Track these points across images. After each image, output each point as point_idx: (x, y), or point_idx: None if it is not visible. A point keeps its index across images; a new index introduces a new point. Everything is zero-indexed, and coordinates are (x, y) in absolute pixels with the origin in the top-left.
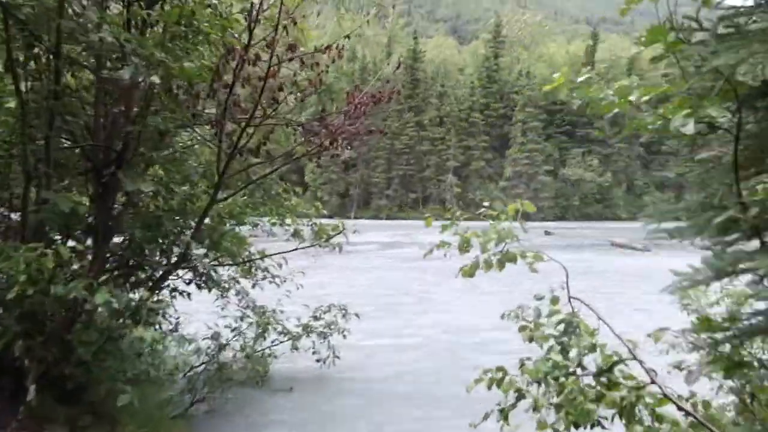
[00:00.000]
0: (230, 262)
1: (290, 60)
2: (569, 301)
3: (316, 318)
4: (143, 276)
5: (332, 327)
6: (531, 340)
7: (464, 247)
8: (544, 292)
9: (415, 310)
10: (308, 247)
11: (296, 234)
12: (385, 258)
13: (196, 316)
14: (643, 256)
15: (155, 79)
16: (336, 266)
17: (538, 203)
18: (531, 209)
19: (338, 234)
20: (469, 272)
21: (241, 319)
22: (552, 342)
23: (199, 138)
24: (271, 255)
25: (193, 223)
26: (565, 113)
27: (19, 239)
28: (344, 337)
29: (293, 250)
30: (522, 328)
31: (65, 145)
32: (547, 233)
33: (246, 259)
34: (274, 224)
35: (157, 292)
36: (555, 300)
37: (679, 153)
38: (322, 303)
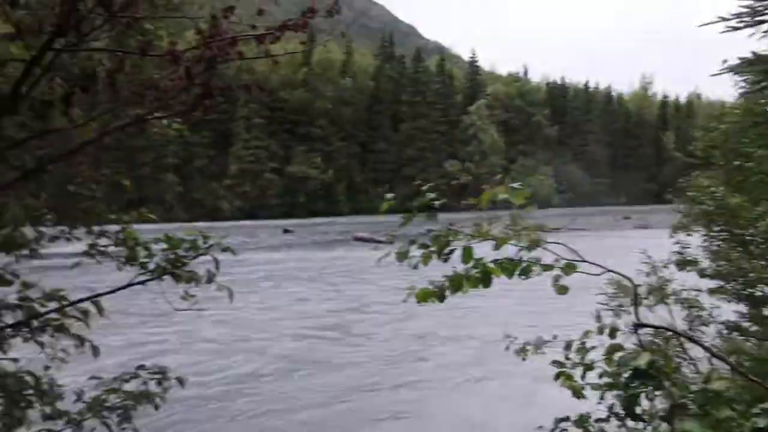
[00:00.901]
0: None
1: None
2: (636, 331)
3: (114, 390)
4: None
5: (141, 398)
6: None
7: (445, 253)
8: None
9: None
10: (149, 280)
11: (131, 258)
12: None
13: None
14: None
15: None
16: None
17: (265, 201)
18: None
19: (199, 255)
20: (431, 295)
21: None
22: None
23: None
24: (75, 302)
25: None
26: (287, 111)
27: None
28: (156, 407)
29: (125, 287)
30: (562, 376)
31: None
32: (286, 231)
33: (26, 317)
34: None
35: None
36: (613, 330)
37: (388, 151)
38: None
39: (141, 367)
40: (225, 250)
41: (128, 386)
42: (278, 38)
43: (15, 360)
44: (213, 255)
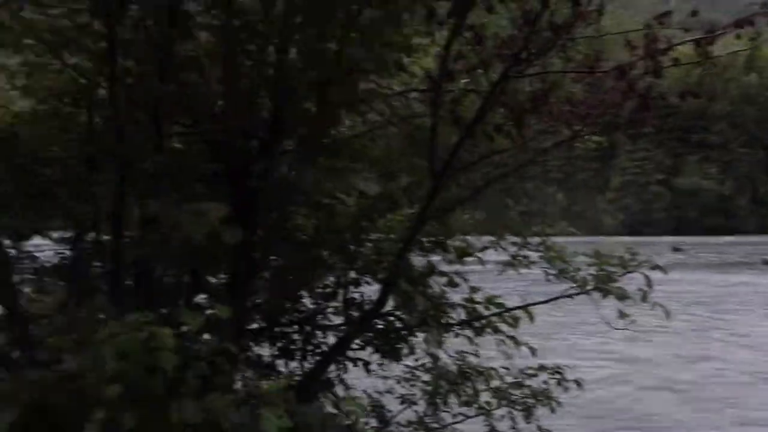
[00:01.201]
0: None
1: None
2: None
3: (519, 384)
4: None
5: (539, 398)
6: None
7: None
8: None
9: None
10: (578, 294)
11: (562, 271)
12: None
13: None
14: None
15: None
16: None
17: (651, 216)
18: None
19: (628, 272)
20: None
21: (408, 381)
22: None
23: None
24: (512, 309)
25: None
26: (678, 117)
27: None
28: (552, 410)
29: (556, 298)
30: None
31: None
32: (675, 249)
33: (470, 318)
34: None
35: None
36: None
37: None
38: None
39: (542, 366)
40: (654, 268)
41: (530, 383)
42: (717, 37)
43: (476, 356)
44: (643, 272)
